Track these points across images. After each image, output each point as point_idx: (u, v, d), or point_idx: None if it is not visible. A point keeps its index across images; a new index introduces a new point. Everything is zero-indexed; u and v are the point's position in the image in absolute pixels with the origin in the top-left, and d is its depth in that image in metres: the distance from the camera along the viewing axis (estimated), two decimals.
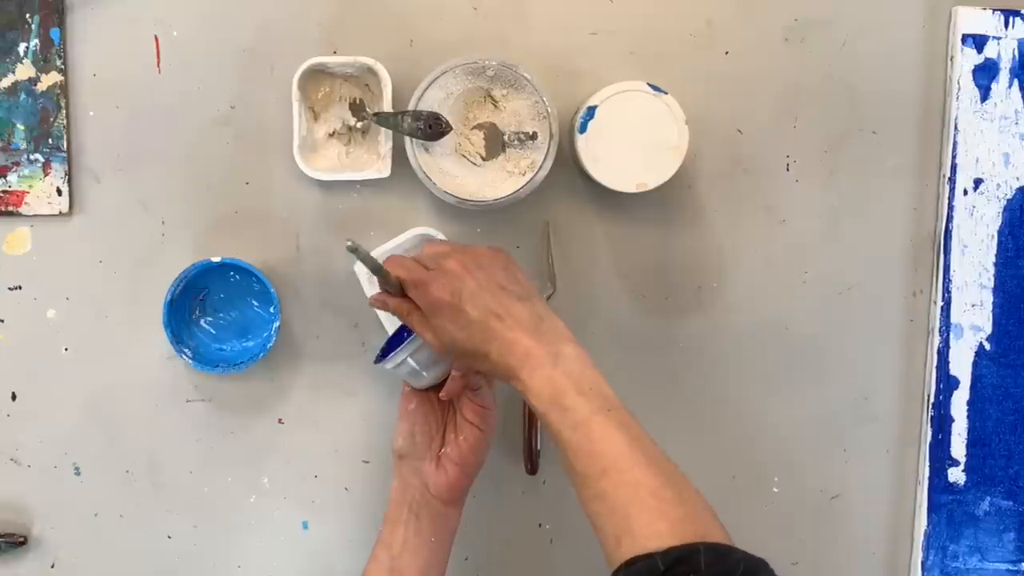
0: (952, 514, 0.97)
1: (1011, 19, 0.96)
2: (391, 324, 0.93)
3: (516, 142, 0.91)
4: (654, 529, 0.68)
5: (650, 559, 0.66)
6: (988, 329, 0.97)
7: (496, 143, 0.91)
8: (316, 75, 0.92)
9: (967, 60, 0.96)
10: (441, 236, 0.92)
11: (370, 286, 0.92)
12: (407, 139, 0.89)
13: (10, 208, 0.93)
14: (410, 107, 0.88)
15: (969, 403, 0.97)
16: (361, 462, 0.97)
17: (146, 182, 0.94)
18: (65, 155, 0.93)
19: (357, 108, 0.93)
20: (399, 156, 0.91)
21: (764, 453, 0.98)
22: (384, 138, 0.92)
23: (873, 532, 0.99)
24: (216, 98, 0.93)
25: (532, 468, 0.96)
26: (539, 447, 0.96)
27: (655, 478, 0.70)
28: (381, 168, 0.92)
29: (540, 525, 0.98)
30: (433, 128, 0.88)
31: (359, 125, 0.93)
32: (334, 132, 0.94)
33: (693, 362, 0.97)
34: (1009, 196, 0.97)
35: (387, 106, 0.91)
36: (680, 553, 0.65)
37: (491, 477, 0.96)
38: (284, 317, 0.93)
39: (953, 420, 0.97)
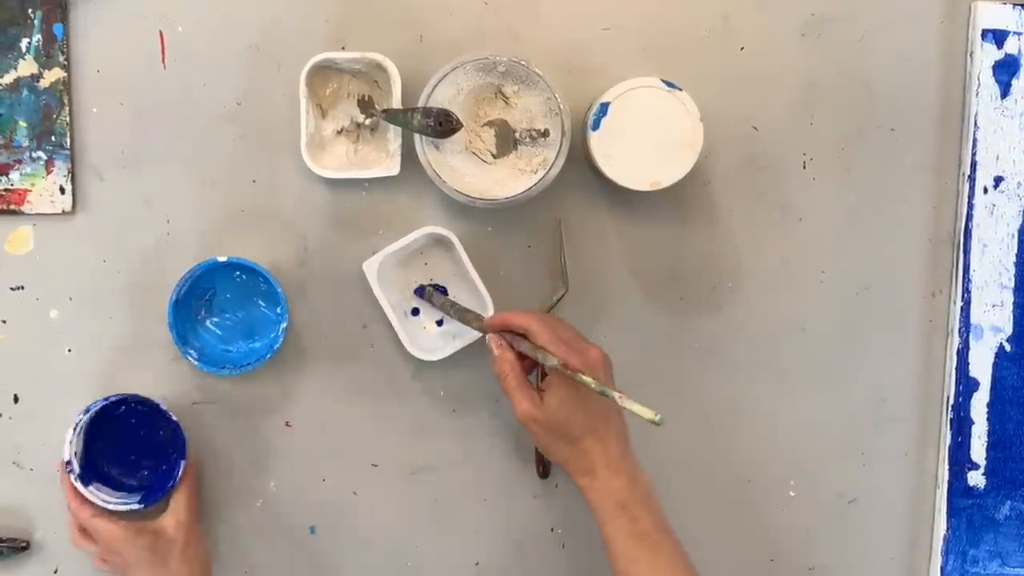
0: (972, 518, 0.96)
1: None
2: (400, 325, 0.92)
3: (527, 139, 0.89)
4: None
5: None
6: (1008, 330, 0.95)
7: (507, 140, 0.90)
8: (324, 71, 0.91)
9: (987, 56, 0.94)
10: (451, 235, 0.91)
11: (380, 288, 0.91)
12: (416, 136, 0.88)
13: (12, 207, 0.92)
14: (420, 104, 0.87)
15: (989, 405, 0.96)
16: (370, 465, 0.95)
17: (150, 180, 0.92)
18: (68, 153, 0.91)
19: (366, 105, 0.92)
20: (408, 154, 0.90)
21: (780, 456, 0.97)
22: (393, 135, 0.91)
23: (891, 537, 0.98)
24: (222, 95, 0.92)
25: (544, 472, 0.95)
26: None
27: None
28: (390, 166, 0.91)
29: (552, 529, 0.97)
30: (443, 125, 0.86)
31: (368, 122, 0.92)
32: (342, 129, 0.92)
33: (708, 363, 0.96)
34: None
35: (396, 103, 0.90)
36: None
37: (503, 481, 0.95)
38: (291, 318, 0.92)
39: (973, 423, 0.96)
